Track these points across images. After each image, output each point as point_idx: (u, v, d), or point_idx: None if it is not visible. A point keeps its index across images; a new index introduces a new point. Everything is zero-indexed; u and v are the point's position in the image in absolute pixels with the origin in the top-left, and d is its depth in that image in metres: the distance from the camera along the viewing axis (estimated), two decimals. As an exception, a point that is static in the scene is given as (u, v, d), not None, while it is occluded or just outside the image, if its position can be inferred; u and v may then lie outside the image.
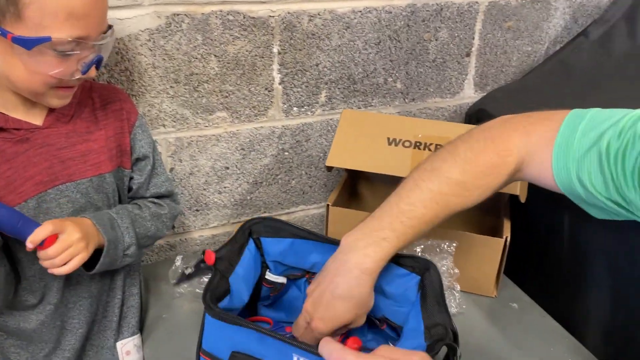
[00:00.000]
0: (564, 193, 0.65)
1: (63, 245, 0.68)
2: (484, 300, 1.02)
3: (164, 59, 0.97)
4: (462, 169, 0.68)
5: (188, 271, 0.73)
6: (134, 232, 0.79)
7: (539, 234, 1.04)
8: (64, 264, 0.69)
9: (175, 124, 1.04)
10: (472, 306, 1.00)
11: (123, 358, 0.87)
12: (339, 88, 1.14)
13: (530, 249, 1.06)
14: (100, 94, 0.82)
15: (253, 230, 0.79)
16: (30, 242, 0.66)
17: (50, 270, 0.69)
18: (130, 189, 0.86)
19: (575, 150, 0.61)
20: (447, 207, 0.69)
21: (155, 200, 0.88)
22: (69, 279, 0.79)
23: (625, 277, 0.85)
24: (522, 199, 0.94)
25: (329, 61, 1.11)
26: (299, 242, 0.79)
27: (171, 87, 1.00)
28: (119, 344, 0.86)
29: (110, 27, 0.71)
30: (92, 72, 0.69)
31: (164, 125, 1.03)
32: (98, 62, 0.69)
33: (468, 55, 1.24)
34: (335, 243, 0.79)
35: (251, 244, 0.78)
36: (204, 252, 0.72)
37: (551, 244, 1.01)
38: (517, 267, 1.06)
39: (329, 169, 1.07)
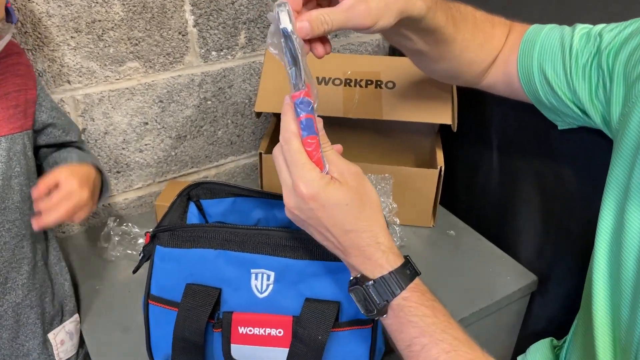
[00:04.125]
0: (522, 85, 0.72)
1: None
2: (423, 231, 1.04)
3: (60, 6, 0.86)
4: (475, 10, 0.72)
5: (141, 255, 0.69)
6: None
7: (468, 161, 1.07)
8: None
9: (81, 79, 0.93)
10: (413, 238, 1.02)
11: (57, 348, 0.80)
12: (258, 27, 1.07)
13: (461, 176, 1.09)
14: None
15: (192, 194, 0.74)
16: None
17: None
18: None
19: (541, 37, 0.69)
20: (462, 27, 0.69)
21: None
22: None
23: (553, 195, 0.89)
24: (454, 128, 0.95)
25: (245, -1, 1.03)
26: (240, 200, 0.76)
27: (72, 37, 0.89)
28: (50, 335, 0.79)
29: None
30: None
31: (68, 82, 0.92)
32: None
33: (387, -14, 1.21)
34: (277, 197, 0.76)
35: (192, 208, 0.74)
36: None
37: (481, 170, 1.04)
38: (450, 196, 1.09)
39: (258, 114, 1.02)
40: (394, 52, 1.22)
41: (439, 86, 0.95)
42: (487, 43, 0.73)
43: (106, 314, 0.85)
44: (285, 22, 0.50)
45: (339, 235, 0.53)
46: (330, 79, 0.97)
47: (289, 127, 0.52)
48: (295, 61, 0.51)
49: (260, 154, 0.99)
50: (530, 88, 0.71)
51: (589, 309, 0.66)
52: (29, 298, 0.75)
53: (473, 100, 1.00)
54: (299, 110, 0.52)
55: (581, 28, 0.67)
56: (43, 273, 0.77)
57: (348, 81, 0.96)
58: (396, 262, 0.54)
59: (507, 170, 0.98)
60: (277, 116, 1.12)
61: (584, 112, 0.66)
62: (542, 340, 0.85)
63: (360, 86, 0.95)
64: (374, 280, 0.53)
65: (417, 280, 0.54)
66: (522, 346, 1.01)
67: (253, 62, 1.10)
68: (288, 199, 0.53)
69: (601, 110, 0.63)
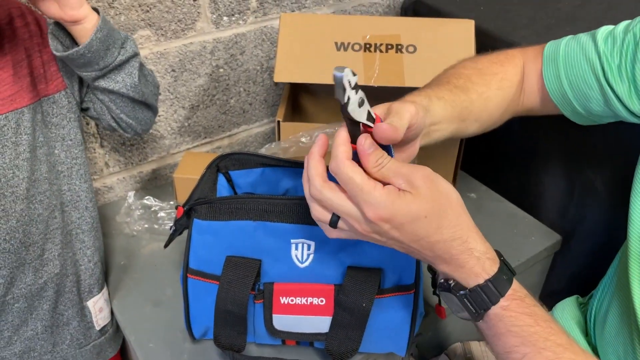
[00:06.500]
0: (554, 101, 0.71)
1: None
2: (443, 195, 1.04)
3: (68, -29, 0.81)
4: (475, 60, 0.72)
5: (172, 229, 0.68)
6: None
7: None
8: None
9: (92, 50, 0.89)
10: (433, 202, 1.02)
11: (96, 315, 0.80)
12: (269, -9, 1.04)
13: (480, 139, 1.08)
14: None
15: (220, 166, 0.73)
16: None
17: None
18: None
19: (561, 54, 0.69)
20: (471, 86, 0.68)
21: None
22: None
23: (579, 153, 0.88)
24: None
25: (256, -40, 0.99)
26: (268, 170, 0.74)
27: (81, 5, 0.85)
28: (90, 303, 0.79)
29: None
30: None
31: (79, 52, 0.88)
32: None
33: (397, -57, 1.17)
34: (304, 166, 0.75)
35: (222, 179, 0.72)
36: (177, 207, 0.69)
37: (501, 131, 1.03)
38: (469, 159, 1.08)
39: (276, 83, 1.00)
40: (405, 13, 1.19)
41: (460, 47, 0.93)
42: (503, 83, 0.71)
43: (135, 289, 0.84)
44: (340, 95, 0.46)
45: (425, 248, 0.50)
46: (349, 44, 0.94)
47: (336, 154, 0.49)
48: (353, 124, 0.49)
49: (279, 122, 0.97)
50: (567, 107, 0.71)
51: (624, 260, 0.67)
52: (65, 267, 0.75)
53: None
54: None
55: (602, 32, 0.67)
56: (78, 241, 0.76)
57: (368, 46, 0.93)
58: (492, 268, 0.50)
59: (528, 130, 0.98)
60: (292, 84, 1.09)
61: (623, 103, 0.65)
62: (568, 299, 0.86)
63: (381, 51, 0.93)
64: (469, 290, 0.50)
65: (515, 285, 0.51)
66: (544, 304, 1.03)
67: (265, 26, 1.07)
68: (361, 227, 0.49)
69: None
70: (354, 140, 0.50)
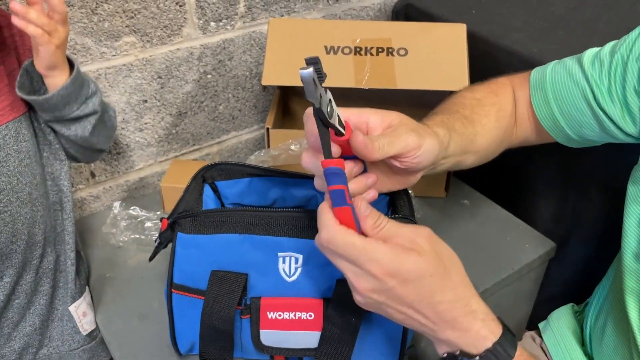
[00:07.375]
0: (545, 127, 0.70)
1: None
2: (436, 202, 1.02)
3: (49, -23, 0.79)
4: (472, 90, 0.71)
5: (157, 242, 0.66)
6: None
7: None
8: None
9: (76, 56, 0.87)
10: (426, 208, 1.00)
11: (80, 320, 0.80)
12: (258, -5, 1.02)
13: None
14: None
15: (206, 177, 0.71)
16: None
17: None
18: None
19: (548, 80, 0.68)
20: (476, 118, 0.67)
21: None
22: None
23: (574, 159, 0.87)
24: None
25: (243, -36, 0.97)
26: (256, 180, 0.73)
27: (63, 11, 0.83)
28: (72, 308, 0.78)
29: None
30: None
31: (62, 60, 0.86)
32: None
33: (388, -54, 1.15)
34: (293, 176, 0.73)
35: (208, 190, 0.71)
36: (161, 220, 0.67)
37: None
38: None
39: (264, 87, 0.98)
40: (397, 17, 1.18)
41: (452, 51, 0.92)
42: (500, 114, 0.70)
43: (121, 302, 0.82)
44: (311, 95, 0.42)
45: (427, 310, 0.48)
46: (339, 47, 0.92)
47: (325, 223, 0.47)
48: (324, 129, 0.46)
49: (268, 129, 0.95)
50: (560, 133, 0.70)
51: (619, 274, 0.65)
52: (59, 263, 0.77)
53: (484, 64, 0.96)
54: (327, 179, 0.46)
55: (587, 56, 0.66)
56: (63, 243, 0.77)
57: (358, 49, 0.92)
58: (498, 329, 0.48)
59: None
60: (281, 89, 1.08)
61: (617, 125, 0.64)
62: (563, 307, 0.85)
63: (371, 54, 0.91)
64: (479, 356, 0.47)
65: (519, 349, 0.49)
66: (538, 311, 1.01)
67: (253, 32, 1.05)
68: (361, 284, 0.47)
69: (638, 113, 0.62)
70: (325, 150, 0.46)
